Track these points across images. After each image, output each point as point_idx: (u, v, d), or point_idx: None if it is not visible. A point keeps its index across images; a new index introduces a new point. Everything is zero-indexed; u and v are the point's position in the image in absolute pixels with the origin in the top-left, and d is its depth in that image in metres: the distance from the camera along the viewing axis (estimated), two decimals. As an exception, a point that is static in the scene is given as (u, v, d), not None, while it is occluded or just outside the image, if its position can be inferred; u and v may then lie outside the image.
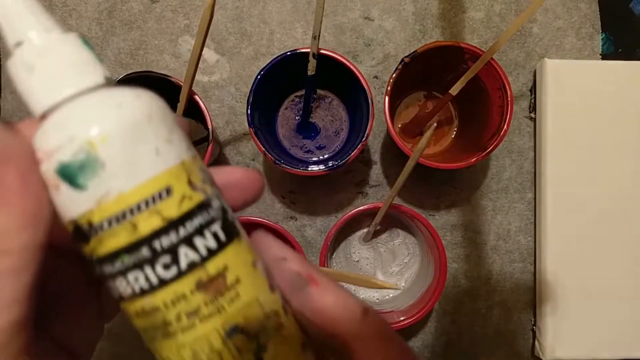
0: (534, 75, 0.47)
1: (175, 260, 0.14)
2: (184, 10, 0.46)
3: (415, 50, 0.38)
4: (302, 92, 0.44)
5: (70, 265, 0.18)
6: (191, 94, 0.37)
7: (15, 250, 0.13)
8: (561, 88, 0.44)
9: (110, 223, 0.13)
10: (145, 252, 0.14)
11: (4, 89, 0.46)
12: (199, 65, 0.36)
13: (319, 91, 0.44)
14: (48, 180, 0.13)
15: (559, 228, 0.44)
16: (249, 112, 0.37)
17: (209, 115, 0.38)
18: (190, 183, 0.14)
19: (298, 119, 0.44)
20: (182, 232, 0.14)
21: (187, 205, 0.14)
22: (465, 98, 0.41)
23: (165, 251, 0.14)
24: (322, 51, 0.37)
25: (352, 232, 0.45)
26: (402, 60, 0.38)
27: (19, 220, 0.13)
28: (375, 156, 0.46)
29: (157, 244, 0.14)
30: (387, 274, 0.44)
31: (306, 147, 0.44)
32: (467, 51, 0.38)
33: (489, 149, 0.38)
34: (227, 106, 0.46)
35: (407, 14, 0.47)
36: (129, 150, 0.13)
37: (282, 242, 0.17)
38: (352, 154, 0.37)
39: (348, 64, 0.38)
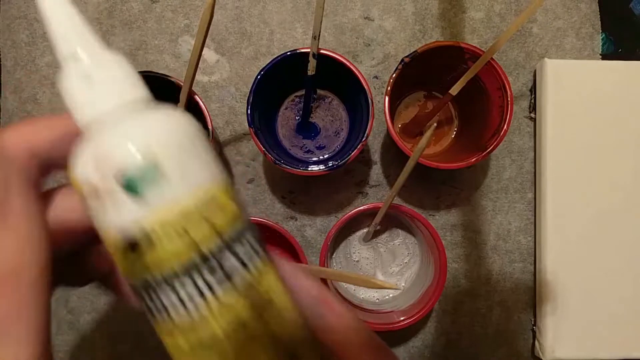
0: (534, 75, 0.47)
1: (221, 266, 0.14)
2: (184, 10, 0.46)
3: (415, 50, 0.38)
4: (302, 92, 0.44)
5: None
6: (191, 94, 0.37)
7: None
8: (561, 88, 0.44)
9: (163, 228, 0.14)
10: (195, 257, 0.14)
11: (4, 89, 0.46)
12: (199, 65, 0.36)
13: (319, 91, 0.44)
14: (99, 187, 0.14)
15: (559, 228, 0.44)
16: (249, 112, 0.37)
17: (209, 115, 0.38)
18: (230, 197, 0.15)
19: (298, 119, 0.44)
20: (227, 238, 0.14)
21: (230, 215, 0.15)
22: (465, 98, 0.41)
23: (212, 256, 0.14)
24: (322, 51, 0.37)
25: (352, 232, 0.45)
26: (402, 60, 0.38)
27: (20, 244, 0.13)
28: (375, 156, 0.46)
29: (205, 249, 0.14)
30: (387, 274, 0.44)
31: (306, 147, 0.44)
32: (467, 51, 0.38)
33: (489, 149, 0.38)
34: (227, 106, 0.46)
35: (407, 14, 0.47)
36: (184, 162, 0.14)
37: (293, 261, 0.18)
38: (352, 154, 0.37)
39: (348, 64, 0.38)
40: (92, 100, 0.14)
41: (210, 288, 0.14)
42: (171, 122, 0.14)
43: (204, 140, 0.15)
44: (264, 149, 0.37)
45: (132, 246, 0.14)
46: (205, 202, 0.14)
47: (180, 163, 0.14)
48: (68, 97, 0.14)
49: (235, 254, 0.14)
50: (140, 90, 0.15)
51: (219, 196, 0.15)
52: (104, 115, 0.14)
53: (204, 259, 0.14)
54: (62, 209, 0.16)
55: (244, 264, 0.14)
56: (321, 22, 0.33)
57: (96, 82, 0.14)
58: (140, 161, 0.13)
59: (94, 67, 0.14)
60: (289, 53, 0.38)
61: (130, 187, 0.13)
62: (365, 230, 0.44)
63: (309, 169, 0.38)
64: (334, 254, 0.44)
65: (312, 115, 0.44)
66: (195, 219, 0.14)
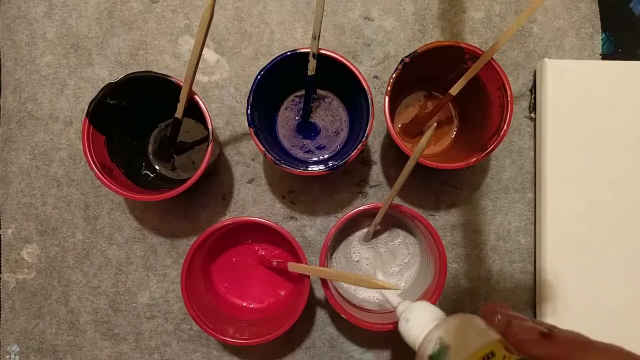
0: (534, 75, 0.47)
1: None
2: (184, 10, 0.46)
3: (415, 50, 0.38)
4: (302, 92, 0.44)
5: None
6: (191, 94, 0.37)
7: None
8: (561, 88, 0.44)
9: None
10: None
11: (4, 89, 0.46)
12: (199, 65, 0.36)
13: (319, 91, 0.44)
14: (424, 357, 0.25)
15: (559, 228, 0.44)
16: (249, 112, 0.37)
17: (209, 115, 0.38)
18: (507, 349, 0.22)
19: (298, 119, 0.44)
20: None
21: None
22: (465, 98, 0.41)
23: None
24: (322, 51, 0.37)
25: (352, 232, 0.45)
26: (402, 60, 0.38)
27: None
28: (375, 156, 0.46)
29: None
30: (387, 274, 0.44)
31: (306, 147, 0.44)
32: (467, 51, 0.38)
33: (489, 149, 0.38)
34: (227, 106, 0.46)
35: (407, 14, 0.47)
36: (461, 338, 0.24)
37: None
38: (352, 154, 0.37)
39: (348, 64, 0.38)
40: (415, 331, 0.28)
41: None
42: (454, 320, 0.26)
43: (477, 321, 0.25)
44: (264, 149, 0.37)
45: None
46: (484, 356, 0.22)
47: (459, 340, 0.24)
48: (405, 334, 0.29)
49: None
50: (440, 313, 0.28)
51: (496, 351, 0.22)
52: (423, 333, 0.27)
53: None
54: None
55: None
56: (321, 22, 0.33)
57: (412, 321, 0.29)
58: (434, 345, 0.25)
59: (409, 314, 0.29)
60: (289, 53, 0.38)
61: (433, 357, 0.25)
62: (365, 230, 0.44)
63: (309, 169, 0.38)
64: (334, 254, 0.44)
65: (312, 115, 0.44)
66: None
